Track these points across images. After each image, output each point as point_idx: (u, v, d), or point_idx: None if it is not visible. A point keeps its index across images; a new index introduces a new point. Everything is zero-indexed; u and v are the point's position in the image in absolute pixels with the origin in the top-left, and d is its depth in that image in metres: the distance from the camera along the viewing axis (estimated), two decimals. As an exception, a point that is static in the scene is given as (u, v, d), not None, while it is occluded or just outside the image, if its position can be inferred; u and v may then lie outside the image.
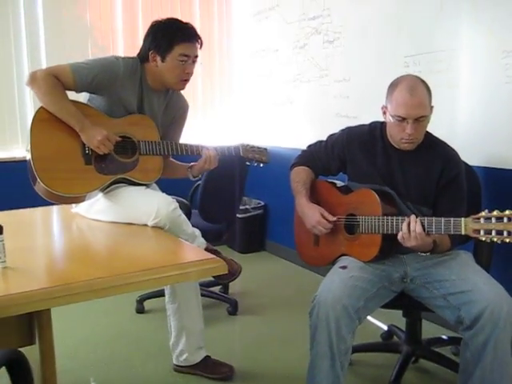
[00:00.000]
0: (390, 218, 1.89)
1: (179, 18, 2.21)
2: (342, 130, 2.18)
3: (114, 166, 2.06)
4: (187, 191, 3.18)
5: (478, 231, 1.69)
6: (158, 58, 2.13)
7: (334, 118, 3.45)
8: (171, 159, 2.42)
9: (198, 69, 4.11)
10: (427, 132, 2.02)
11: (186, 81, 2.19)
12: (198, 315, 2.33)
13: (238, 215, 4.22)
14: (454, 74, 2.65)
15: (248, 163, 2.36)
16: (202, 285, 3.06)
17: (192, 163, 2.32)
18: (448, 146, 2.06)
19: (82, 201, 2.11)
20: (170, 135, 2.32)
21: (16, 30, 3.70)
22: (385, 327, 2.76)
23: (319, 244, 2.15)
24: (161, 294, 2.73)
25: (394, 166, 2.04)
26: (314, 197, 2.16)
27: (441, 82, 2.64)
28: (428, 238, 1.81)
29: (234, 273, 2.23)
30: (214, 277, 2.37)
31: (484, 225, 1.67)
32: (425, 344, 2.36)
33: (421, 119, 1.90)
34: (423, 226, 1.78)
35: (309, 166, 2.21)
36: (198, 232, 2.20)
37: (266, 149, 2.39)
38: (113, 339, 2.80)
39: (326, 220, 2.01)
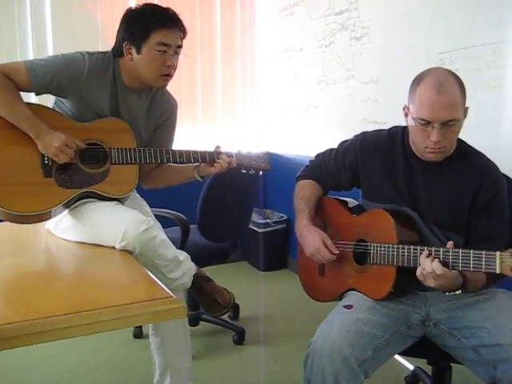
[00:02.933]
0: (406, 246, 1.51)
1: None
2: (356, 136, 1.80)
3: (78, 177, 1.75)
4: (192, 204, 2.84)
5: (518, 270, 1.29)
6: (133, 50, 1.80)
7: (362, 123, 3.07)
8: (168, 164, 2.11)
9: (219, 71, 3.83)
10: (460, 140, 1.63)
11: (168, 76, 1.84)
12: (185, 352, 1.99)
13: (258, 230, 3.90)
14: (499, 71, 2.24)
15: (244, 171, 2.00)
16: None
17: (197, 163, 1.98)
18: (485, 157, 1.65)
19: (48, 218, 1.82)
20: (156, 142, 1.97)
21: (22, 30, 3.45)
22: (411, 367, 2.36)
23: (325, 274, 1.79)
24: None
25: (417, 182, 1.65)
26: (320, 217, 1.80)
27: (482, 82, 2.24)
28: (453, 274, 1.42)
29: (224, 305, 1.91)
30: (204, 308, 2.07)
31: (527, 262, 1.27)
32: (456, 396, 1.96)
33: (450, 123, 1.50)
34: (445, 261, 1.39)
35: (316, 179, 1.85)
36: (183, 256, 1.88)
37: (265, 153, 2.03)
38: (102, 368, 2.50)
39: (328, 249, 1.65)
